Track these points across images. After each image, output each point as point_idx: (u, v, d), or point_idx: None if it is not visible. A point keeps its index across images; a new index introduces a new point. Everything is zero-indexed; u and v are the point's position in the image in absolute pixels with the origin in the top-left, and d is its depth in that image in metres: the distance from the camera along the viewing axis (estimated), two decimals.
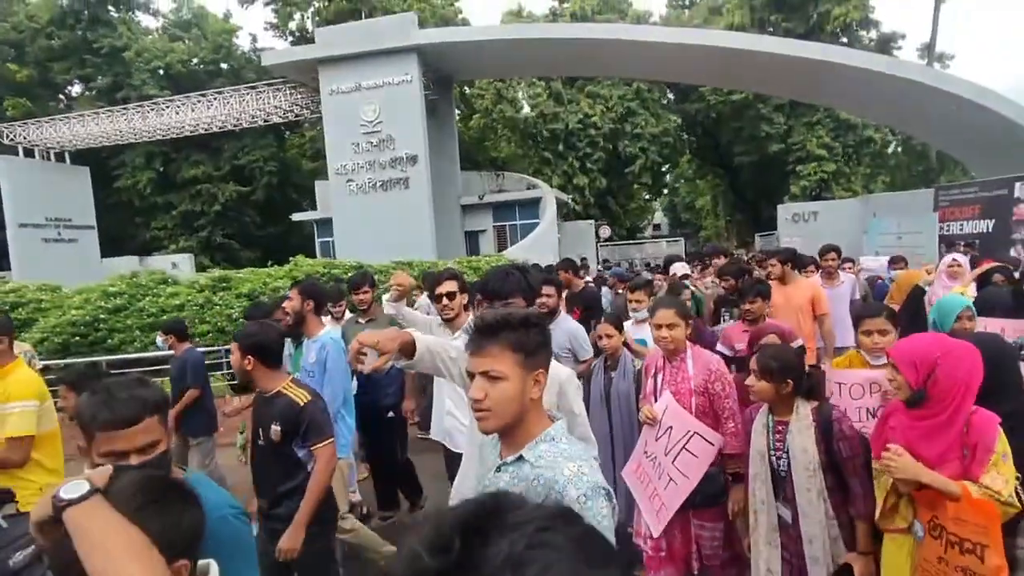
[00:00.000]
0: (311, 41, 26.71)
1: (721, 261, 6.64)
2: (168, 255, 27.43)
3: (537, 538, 0.47)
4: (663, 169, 29.44)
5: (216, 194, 29.37)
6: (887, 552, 2.13)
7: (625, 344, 3.60)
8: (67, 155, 23.32)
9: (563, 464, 1.37)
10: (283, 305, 3.82)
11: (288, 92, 19.60)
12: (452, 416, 3.07)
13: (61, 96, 30.12)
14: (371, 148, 17.25)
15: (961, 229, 14.26)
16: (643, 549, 2.87)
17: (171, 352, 4.77)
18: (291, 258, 9.34)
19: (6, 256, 21.90)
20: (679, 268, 7.04)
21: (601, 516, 1.31)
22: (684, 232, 42.14)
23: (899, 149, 30.30)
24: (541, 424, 1.47)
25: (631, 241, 26.78)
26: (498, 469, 1.49)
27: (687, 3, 35.62)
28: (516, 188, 20.79)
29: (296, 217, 22.75)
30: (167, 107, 20.43)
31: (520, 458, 1.43)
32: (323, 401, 2.72)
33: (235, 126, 21.04)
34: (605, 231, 22.82)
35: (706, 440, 2.69)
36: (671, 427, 2.77)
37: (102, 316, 6.77)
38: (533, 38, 17.27)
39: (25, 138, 21.51)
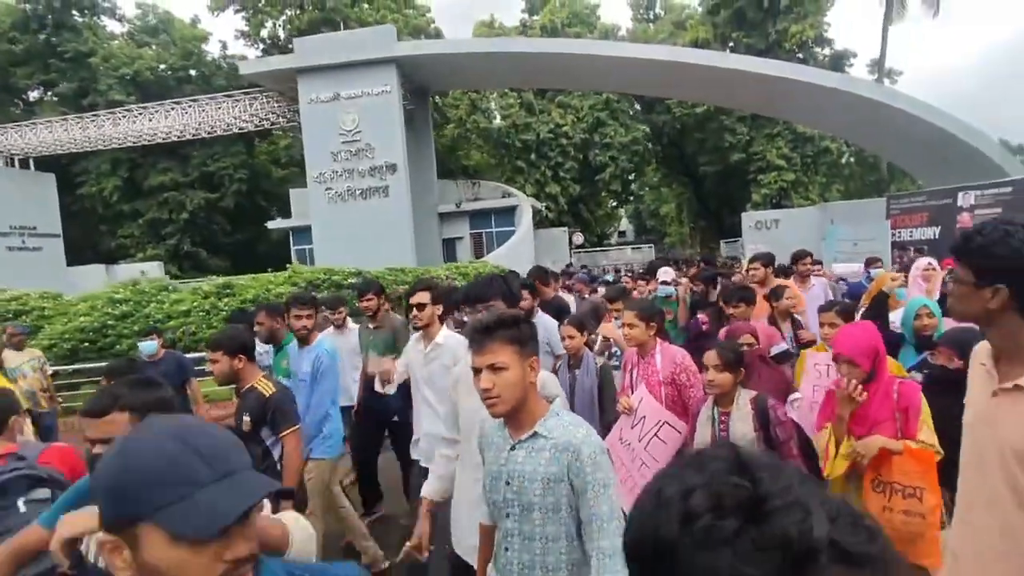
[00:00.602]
0: (283, 50, 26.90)
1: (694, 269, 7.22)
2: (135, 263, 26.98)
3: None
4: (631, 177, 30.25)
5: (184, 201, 29.00)
6: None
7: (605, 339, 4.04)
8: (31, 162, 22.86)
9: (573, 431, 1.64)
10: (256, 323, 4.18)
11: (264, 100, 19.71)
12: (429, 435, 3.10)
13: (19, 101, 29.37)
14: (350, 156, 17.51)
15: (911, 236, 15.24)
16: None
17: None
18: (269, 268, 9.61)
19: None
20: (664, 274, 7.59)
21: (609, 468, 1.62)
22: (649, 239, 43.21)
23: (852, 160, 31.88)
24: (541, 405, 1.72)
25: (602, 248, 27.53)
26: (512, 448, 1.68)
27: (651, 17, 36.85)
28: (492, 196, 21.30)
29: (271, 225, 22.77)
30: (140, 114, 20.31)
31: (534, 434, 1.66)
32: (290, 393, 2.96)
33: (209, 133, 20.99)
34: (579, 238, 23.50)
35: (674, 428, 3.03)
36: (644, 416, 3.10)
37: (110, 322, 6.94)
38: (508, 52, 17.85)
39: None
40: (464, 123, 25.65)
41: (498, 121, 26.14)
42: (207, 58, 30.13)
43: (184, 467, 0.75)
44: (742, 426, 2.61)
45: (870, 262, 6.90)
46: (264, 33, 28.12)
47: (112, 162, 28.16)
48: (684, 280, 7.43)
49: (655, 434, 3.04)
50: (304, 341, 3.77)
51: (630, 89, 24.02)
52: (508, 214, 20.43)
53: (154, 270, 25.98)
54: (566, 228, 22.99)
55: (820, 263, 7.52)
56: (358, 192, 17.54)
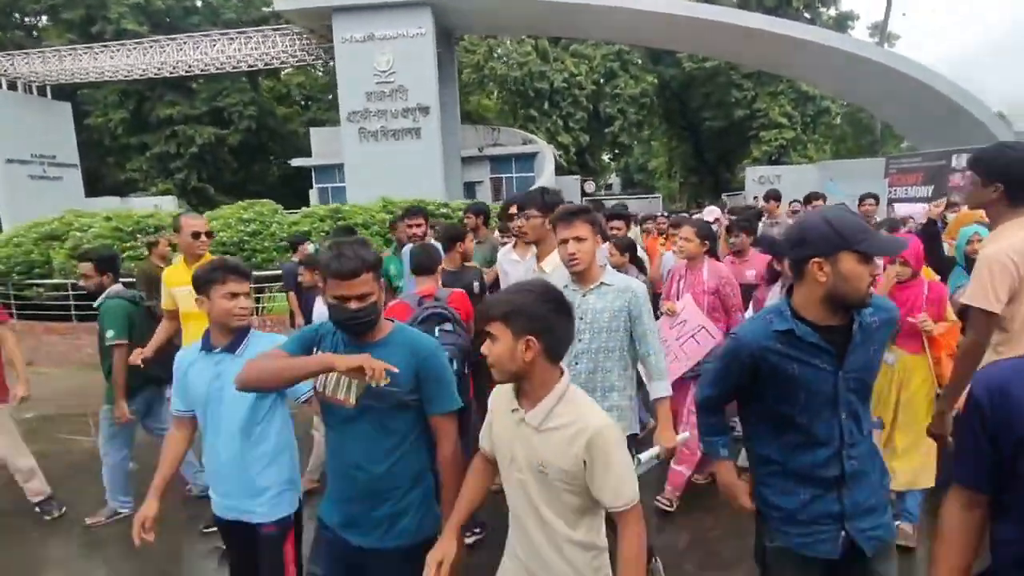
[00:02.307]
0: None
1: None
2: (148, 197, 27.23)
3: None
4: (636, 131, 31.13)
5: (193, 136, 29.04)
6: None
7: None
8: (48, 90, 22.80)
9: (630, 281, 2.50)
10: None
11: (295, 38, 19.95)
12: None
13: (27, 28, 28.70)
14: (384, 97, 18.05)
15: (906, 193, 16.67)
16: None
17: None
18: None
19: None
20: (710, 213, 8.84)
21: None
22: (635, 192, 44.10)
23: (842, 121, 33.11)
24: (601, 268, 2.48)
25: (609, 196, 28.60)
26: (584, 295, 2.41)
27: None
28: (512, 143, 22.10)
29: (296, 163, 23.20)
30: (164, 45, 20.39)
31: (601, 284, 2.44)
32: None
33: (235, 68, 21.21)
34: (590, 186, 24.58)
35: (710, 334, 3.49)
36: (686, 320, 3.56)
37: (245, 238, 7.92)
38: (541, 1, 18.36)
39: (5, 71, 20.95)
40: (481, 68, 26.06)
41: (514, 69, 26.54)
42: None
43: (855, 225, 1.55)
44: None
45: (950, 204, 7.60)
46: None
47: (120, 94, 27.98)
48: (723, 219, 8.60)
49: (692, 335, 3.52)
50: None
51: (644, 42, 24.64)
52: (528, 160, 21.31)
53: (168, 204, 26.37)
54: (578, 176, 23.97)
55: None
56: (391, 132, 18.18)
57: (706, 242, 3.67)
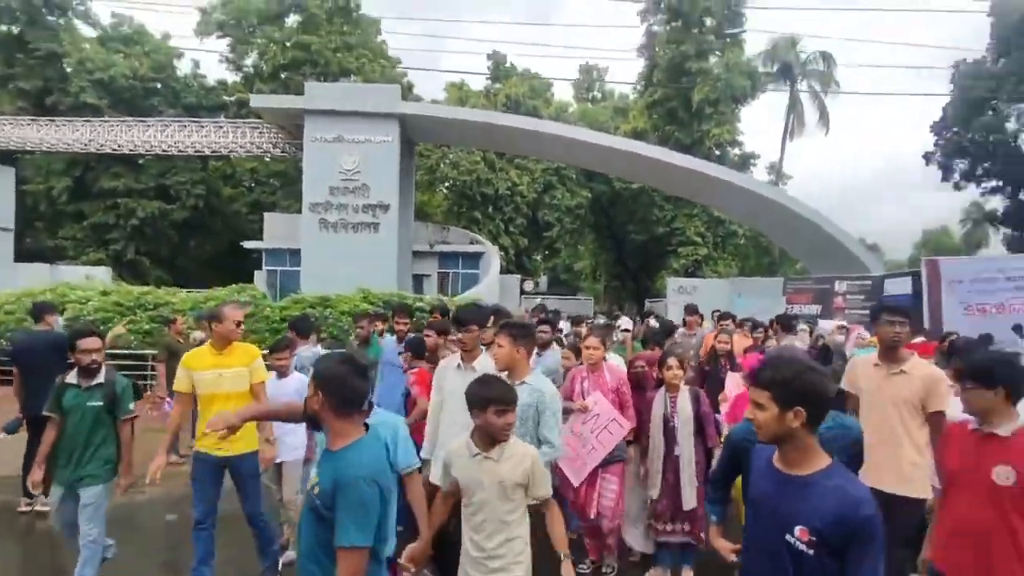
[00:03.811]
0: (264, 80, 28.53)
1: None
2: (79, 266, 26.65)
3: None
4: (569, 238, 33.96)
5: (135, 209, 29.05)
6: None
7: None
8: None
9: (544, 381, 3.27)
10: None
11: (263, 131, 21.33)
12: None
13: None
14: (347, 192, 19.39)
15: (800, 310, 19.42)
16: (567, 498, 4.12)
17: None
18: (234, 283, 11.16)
19: None
20: (625, 323, 10.57)
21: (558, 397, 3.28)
22: (563, 292, 46.61)
23: (746, 242, 37.43)
24: (528, 369, 3.28)
25: (546, 295, 30.59)
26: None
27: (590, 98, 41.76)
28: (460, 242, 23.90)
29: (248, 245, 23.82)
30: (136, 126, 21.21)
31: (523, 383, 3.11)
32: None
33: (198, 153, 22.17)
34: (529, 285, 26.52)
35: (620, 425, 4.02)
36: (598, 414, 4.02)
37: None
38: (491, 124, 20.72)
39: None
40: (434, 171, 28.26)
41: (463, 174, 28.93)
42: (178, 74, 30.88)
43: None
44: (684, 404, 4.06)
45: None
46: (248, 61, 29.54)
47: (67, 163, 27.93)
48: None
49: (605, 427, 4.01)
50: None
51: (578, 164, 27.83)
52: (474, 259, 23.08)
53: (101, 274, 25.89)
54: (518, 276, 25.95)
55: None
56: (350, 225, 19.44)
57: (605, 346, 4.38)
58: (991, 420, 2.41)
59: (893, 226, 79.57)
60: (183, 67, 31.15)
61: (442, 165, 28.99)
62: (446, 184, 29.72)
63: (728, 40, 29.90)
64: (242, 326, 3.99)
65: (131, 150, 21.97)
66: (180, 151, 21.87)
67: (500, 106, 30.58)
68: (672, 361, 4.10)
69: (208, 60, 33.36)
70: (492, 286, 21.11)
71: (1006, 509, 2.30)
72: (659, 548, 4.14)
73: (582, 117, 34.27)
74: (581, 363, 4.43)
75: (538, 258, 40.28)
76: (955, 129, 26.31)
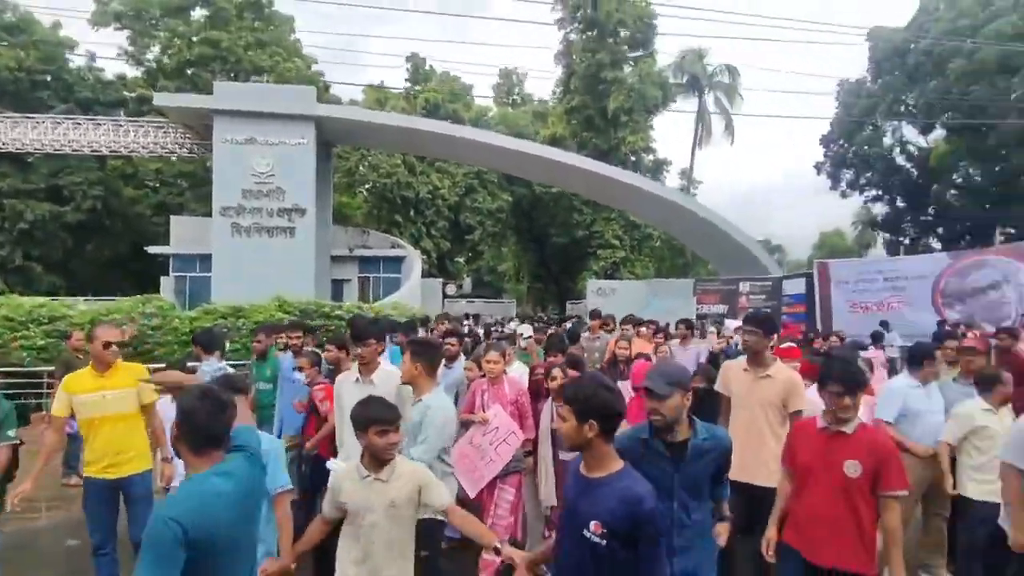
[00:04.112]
0: (168, 74, 27.07)
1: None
2: None
3: None
4: (492, 241, 34.28)
5: (23, 212, 26.77)
6: None
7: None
8: None
9: (437, 399, 3.19)
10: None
11: (169, 130, 20.25)
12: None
13: None
14: (260, 196, 18.80)
15: (709, 310, 20.63)
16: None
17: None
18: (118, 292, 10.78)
19: None
20: (526, 330, 10.72)
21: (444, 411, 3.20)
22: (484, 292, 47.02)
23: (661, 245, 39.21)
24: (430, 385, 3.24)
25: (470, 298, 30.78)
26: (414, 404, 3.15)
27: (510, 101, 42.33)
28: (380, 246, 23.62)
29: (153, 250, 22.50)
30: (23, 122, 19.60)
31: (420, 400, 3.15)
32: None
33: (94, 152, 20.77)
34: (451, 289, 26.55)
35: (517, 437, 4.11)
36: (498, 427, 4.10)
37: (148, 332, 8.30)
38: (410, 128, 20.68)
39: None
40: (353, 173, 27.72)
41: (384, 177, 28.59)
42: (71, 67, 28.68)
43: None
44: None
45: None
46: (150, 56, 27.86)
47: None
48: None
49: (504, 440, 4.10)
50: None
51: (498, 168, 28.24)
52: (395, 263, 22.88)
53: None
54: (441, 280, 25.94)
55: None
56: (265, 229, 18.83)
57: (505, 360, 4.43)
58: (845, 422, 2.72)
59: (795, 228, 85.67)
60: (76, 60, 28.94)
61: (361, 167, 28.51)
62: (366, 187, 29.27)
63: (641, 51, 31.22)
64: (115, 347, 3.76)
65: (18, 149, 20.27)
66: (75, 150, 20.39)
67: (420, 109, 30.48)
68: (556, 372, 4.19)
69: (105, 53, 31.24)
70: (414, 290, 21.06)
71: (854, 497, 2.65)
72: None
73: (502, 121, 34.69)
74: (483, 375, 4.44)
75: (461, 261, 40.42)
76: (841, 142, 28.84)
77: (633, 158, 31.50)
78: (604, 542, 1.97)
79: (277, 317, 9.54)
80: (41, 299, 8.90)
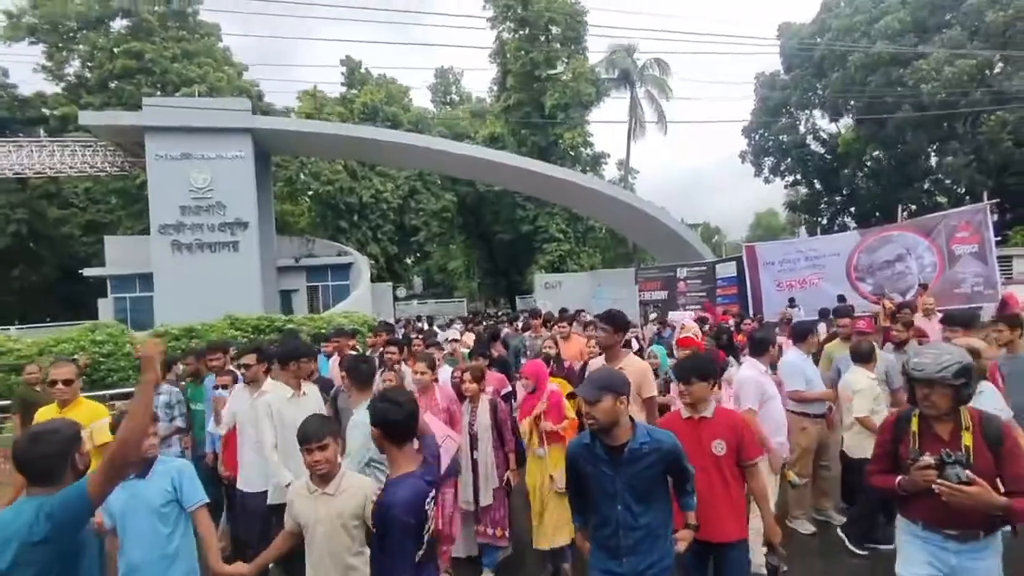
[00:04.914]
0: (90, 91, 26.15)
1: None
2: None
3: None
4: (438, 241, 34.60)
5: None
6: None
7: None
8: None
9: (364, 415, 2.95)
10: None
11: (99, 149, 19.69)
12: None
13: None
14: (200, 211, 18.60)
15: (651, 297, 21.55)
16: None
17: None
18: (48, 317, 10.76)
19: None
20: (453, 331, 10.96)
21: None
22: (437, 291, 47.28)
23: (605, 234, 40.40)
24: (358, 400, 3.48)
25: (421, 299, 31.04)
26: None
27: (447, 100, 42.59)
28: (326, 253, 23.62)
29: (89, 272, 21.79)
30: None
31: (353, 414, 3.44)
32: None
33: (18, 175, 19.97)
34: (402, 292, 26.77)
35: (453, 440, 4.13)
36: (434, 433, 3.75)
37: (100, 359, 8.35)
38: (349, 136, 20.81)
39: None
40: (293, 182, 27.48)
41: (325, 184, 28.48)
42: None
43: None
44: (483, 414, 4.40)
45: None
46: (70, 71, 26.77)
47: None
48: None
49: (441, 444, 3.98)
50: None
51: (438, 170, 28.68)
52: (343, 270, 22.95)
53: None
54: (390, 283, 26.13)
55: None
56: (207, 245, 18.63)
57: (433, 371, 4.53)
58: (700, 407, 3.00)
59: (732, 211, 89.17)
60: None
61: (302, 175, 28.32)
62: (308, 194, 29.08)
63: (572, 48, 32.03)
64: (62, 385, 3.82)
65: None
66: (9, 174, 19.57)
67: (357, 114, 30.42)
68: (466, 376, 4.47)
69: (19, 69, 29.74)
70: (364, 296, 21.22)
71: (724, 472, 2.92)
72: (483, 549, 4.50)
73: (441, 123, 34.93)
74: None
75: (409, 262, 40.55)
76: (760, 131, 30.60)
77: (572, 153, 32.34)
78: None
79: (230, 334, 9.73)
80: None
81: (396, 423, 2.37)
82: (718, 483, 2.90)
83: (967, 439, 2.40)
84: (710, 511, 2.84)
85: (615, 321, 3.87)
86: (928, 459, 2.33)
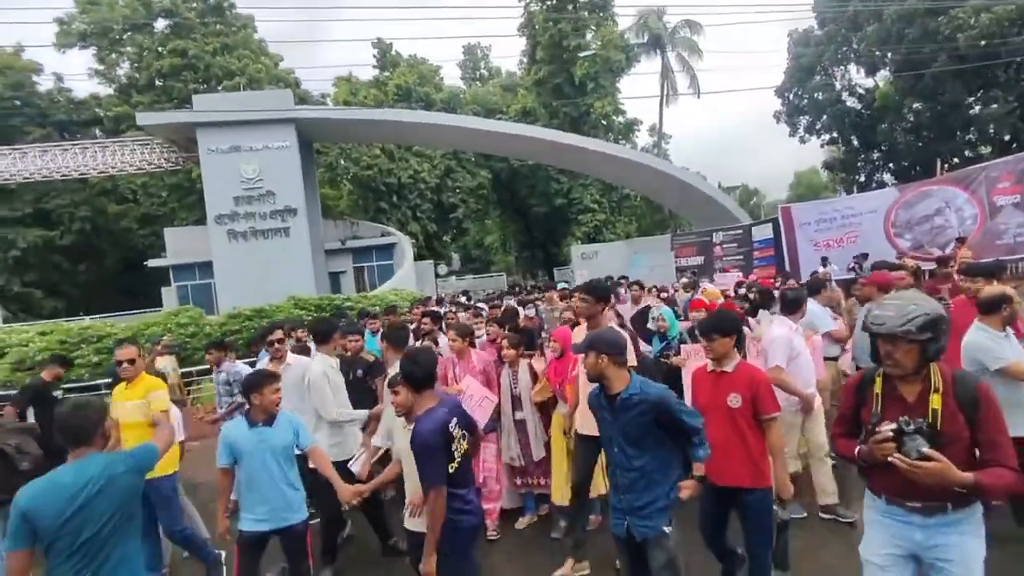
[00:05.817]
0: (140, 89, 27.46)
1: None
2: None
3: None
4: (478, 216, 35.29)
5: (14, 240, 27.36)
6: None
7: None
8: None
9: None
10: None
11: (155, 147, 20.91)
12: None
13: None
14: (252, 201, 19.66)
15: (687, 262, 21.78)
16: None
17: None
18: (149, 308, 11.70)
19: None
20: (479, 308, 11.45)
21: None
22: (474, 267, 48.01)
23: (640, 202, 40.31)
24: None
25: (460, 273, 31.93)
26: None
27: (476, 76, 42.73)
28: (371, 235, 24.58)
29: (153, 263, 23.32)
30: (11, 153, 20.18)
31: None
32: None
33: (101, 174, 21.43)
34: (443, 269, 27.65)
35: (490, 400, 4.60)
36: (472, 395, 4.52)
37: (185, 340, 9.42)
38: (387, 120, 21.53)
39: None
40: (334, 168, 28.48)
41: (364, 168, 29.37)
42: (40, 90, 28.93)
43: None
44: (524, 375, 4.76)
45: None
46: (120, 72, 28.16)
47: None
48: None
49: (479, 404, 4.56)
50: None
51: (472, 149, 29.17)
52: (387, 250, 23.90)
53: None
54: (431, 261, 27.02)
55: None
56: (260, 232, 19.72)
57: (466, 339, 4.85)
58: (723, 362, 3.19)
59: (770, 171, 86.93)
60: (44, 83, 29.16)
61: (342, 161, 29.27)
62: (348, 178, 30.09)
63: (600, 16, 31.78)
64: (127, 364, 4.11)
65: (5, 180, 20.87)
66: (63, 176, 21.04)
67: (391, 96, 31.04)
68: (504, 343, 4.85)
69: (72, 73, 31.52)
70: (408, 274, 22.11)
71: (739, 424, 3.09)
72: (524, 498, 4.93)
73: (473, 100, 35.24)
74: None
75: (447, 239, 41.43)
76: (795, 90, 29.94)
77: (604, 122, 32.32)
78: None
79: (296, 313, 10.64)
80: (86, 321, 9.90)
81: (413, 374, 2.90)
82: (733, 434, 3.08)
83: (935, 401, 2.12)
84: (724, 459, 3.01)
85: (596, 291, 4.01)
86: (886, 430, 2.07)
